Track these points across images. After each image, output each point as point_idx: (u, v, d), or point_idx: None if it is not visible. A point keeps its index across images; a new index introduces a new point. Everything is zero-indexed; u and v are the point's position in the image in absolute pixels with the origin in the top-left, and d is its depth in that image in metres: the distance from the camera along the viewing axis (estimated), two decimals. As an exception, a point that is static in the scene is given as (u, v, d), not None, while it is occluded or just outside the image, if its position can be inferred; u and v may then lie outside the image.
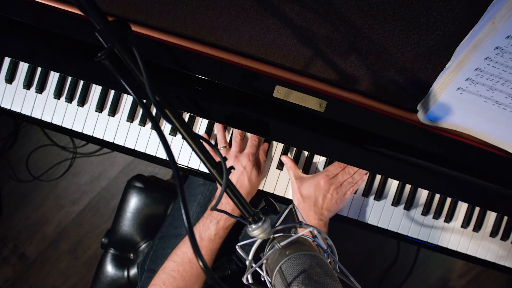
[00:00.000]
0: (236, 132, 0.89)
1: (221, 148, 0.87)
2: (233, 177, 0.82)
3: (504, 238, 0.95)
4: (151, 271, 1.01)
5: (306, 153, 0.93)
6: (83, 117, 0.94)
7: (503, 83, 0.71)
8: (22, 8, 0.80)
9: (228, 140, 0.92)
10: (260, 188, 0.93)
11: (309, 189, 0.86)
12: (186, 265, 0.77)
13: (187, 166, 0.93)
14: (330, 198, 0.86)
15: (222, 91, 0.81)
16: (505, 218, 0.95)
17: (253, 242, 0.56)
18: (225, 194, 0.54)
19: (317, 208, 0.86)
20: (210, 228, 0.80)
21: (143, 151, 0.94)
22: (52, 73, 0.93)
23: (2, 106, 0.94)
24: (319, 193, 0.86)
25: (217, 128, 0.90)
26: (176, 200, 1.15)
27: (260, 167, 0.88)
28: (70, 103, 0.94)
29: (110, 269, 1.16)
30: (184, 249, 0.80)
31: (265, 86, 0.77)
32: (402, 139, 0.78)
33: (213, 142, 0.93)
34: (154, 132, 0.93)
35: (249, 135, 0.90)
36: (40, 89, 0.93)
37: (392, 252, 1.65)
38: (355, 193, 0.93)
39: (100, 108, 0.93)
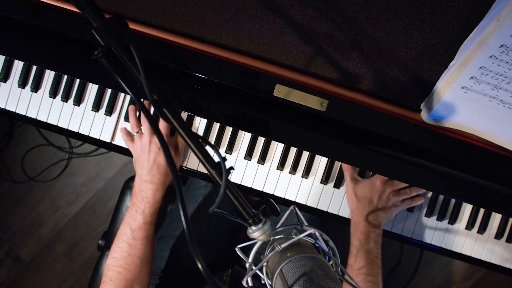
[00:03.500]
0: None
1: (135, 134, 0.86)
2: (150, 158, 0.82)
3: (510, 240, 0.94)
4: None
5: (307, 153, 0.92)
6: (79, 117, 0.93)
7: (508, 82, 0.70)
8: (17, 5, 0.80)
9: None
10: (260, 188, 0.92)
11: (364, 189, 0.87)
12: (126, 258, 0.79)
13: (186, 167, 0.93)
14: (385, 199, 0.86)
15: (221, 90, 0.80)
16: (511, 220, 0.94)
17: (253, 244, 0.56)
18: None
19: (372, 207, 0.86)
20: (137, 218, 0.81)
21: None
22: (47, 71, 0.93)
23: (-4, 105, 0.92)
24: (375, 193, 0.86)
25: (130, 112, 0.88)
26: (175, 201, 1.13)
27: (177, 148, 0.87)
28: (66, 102, 0.93)
29: None
30: (119, 244, 0.80)
31: (265, 85, 0.77)
32: (405, 139, 0.78)
33: (212, 142, 0.92)
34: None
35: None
36: (35, 88, 0.92)
37: (395, 255, 1.64)
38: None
39: (96, 107, 0.92)
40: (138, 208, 0.81)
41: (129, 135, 0.88)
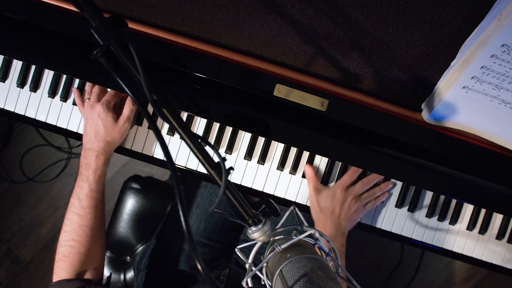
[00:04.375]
0: (98, 86, 0.87)
1: (86, 100, 0.87)
2: (92, 125, 0.83)
3: (511, 241, 0.94)
4: (147, 270, 1.00)
5: (307, 153, 0.92)
6: (78, 117, 0.93)
7: (510, 82, 0.70)
8: (16, 4, 0.79)
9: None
10: (260, 189, 0.92)
11: (326, 199, 0.87)
12: (77, 229, 0.79)
13: (185, 167, 0.92)
14: (347, 208, 0.86)
15: (221, 90, 0.80)
16: (512, 220, 0.94)
17: (253, 245, 0.55)
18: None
19: (334, 217, 0.86)
20: (83, 186, 0.81)
21: (140, 151, 0.93)
22: (46, 71, 0.93)
23: (-5, 105, 0.92)
24: (336, 203, 0.86)
25: (88, 84, 0.89)
26: (174, 201, 1.13)
27: (122, 115, 0.86)
28: (65, 102, 0.92)
29: (106, 272, 1.14)
30: (69, 216, 0.81)
31: (265, 85, 0.77)
32: (406, 139, 0.78)
33: (212, 142, 0.91)
34: (151, 132, 0.92)
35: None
36: (34, 87, 0.92)
37: (396, 255, 1.64)
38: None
39: (95, 107, 0.91)
40: (83, 176, 0.82)
41: (80, 98, 0.88)
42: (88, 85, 0.89)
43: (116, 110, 0.87)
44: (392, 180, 0.92)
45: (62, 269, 0.80)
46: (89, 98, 0.87)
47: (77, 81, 0.92)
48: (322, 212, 0.87)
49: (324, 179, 0.91)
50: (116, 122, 0.85)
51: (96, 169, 0.82)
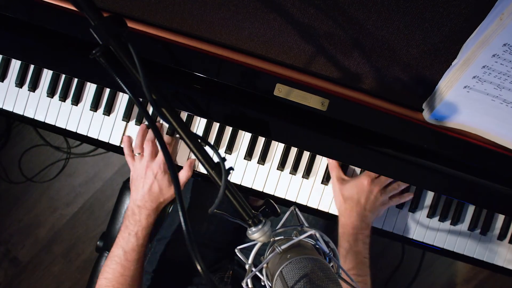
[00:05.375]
0: (149, 137, 0.88)
1: (136, 155, 0.88)
2: (146, 184, 0.84)
3: (512, 241, 0.94)
4: (148, 273, 0.99)
5: (307, 153, 0.91)
6: (77, 116, 0.92)
7: (512, 81, 0.70)
8: (14, 3, 0.79)
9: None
10: (260, 189, 0.91)
11: (351, 190, 0.86)
12: (119, 278, 0.81)
13: (185, 167, 0.92)
14: (373, 200, 0.85)
15: (221, 90, 0.80)
16: (514, 220, 0.94)
17: (253, 246, 0.55)
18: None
19: (360, 208, 0.85)
20: (130, 240, 0.83)
21: (139, 152, 0.92)
22: (45, 71, 0.92)
23: (-7, 105, 0.92)
24: (362, 193, 0.85)
25: (139, 131, 0.89)
26: (174, 203, 1.13)
27: (180, 181, 0.88)
28: (64, 101, 0.92)
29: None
30: (112, 266, 0.83)
31: (265, 84, 0.77)
32: (407, 139, 0.78)
33: (212, 142, 0.91)
34: (150, 132, 0.91)
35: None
36: (33, 87, 0.92)
37: (397, 256, 1.63)
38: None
39: (94, 107, 0.91)
40: (131, 231, 0.83)
41: (130, 149, 0.89)
42: (139, 139, 0.88)
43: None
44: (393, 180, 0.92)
45: None
46: (139, 153, 0.87)
47: (76, 80, 0.92)
48: (346, 202, 0.85)
49: (323, 180, 0.91)
50: (170, 185, 0.85)
51: (146, 227, 0.84)
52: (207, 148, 0.58)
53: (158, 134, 0.54)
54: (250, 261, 0.55)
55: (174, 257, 1.01)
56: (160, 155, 0.86)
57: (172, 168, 0.52)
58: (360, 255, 0.83)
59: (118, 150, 0.93)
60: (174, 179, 0.51)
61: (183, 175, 0.87)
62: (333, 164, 0.89)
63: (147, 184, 0.84)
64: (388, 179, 0.87)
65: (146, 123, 0.89)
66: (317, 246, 0.54)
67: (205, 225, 1.02)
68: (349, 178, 0.88)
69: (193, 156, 0.89)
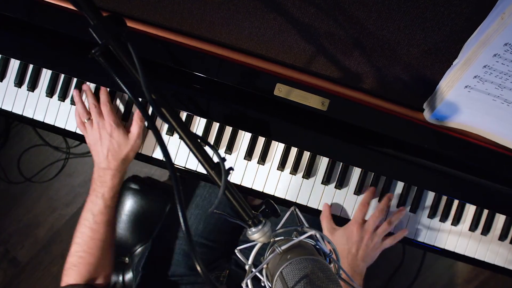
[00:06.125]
0: (91, 100, 0.86)
1: (86, 121, 0.86)
2: (104, 146, 0.83)
3: (514, 241, 0.94)
4: (146, 272, 0.99)
5: (308, 153, 0.91)
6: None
7: (513, 81, 0.69)
8: (13, 2, 0.79)
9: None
10: (260, 189, 0.91)
11: (341, 240, 0.85)
12: (89, 242, 0.82)
13: (185, 167, 0.92)
14: (364, 247, 0.84)
15: (221, 89, 0.80)
16: (515, 220, 0.93)
17: (253, 246, 0.55)
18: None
19: (351, 259, 0.83)
20: (98, 203, 0.83)
21: (139, 152, 0.92)
22: (44, 70, 0.92)
23: (-8, 104, 0.92)
24: (352, 243, 0.84)
25: (75, 98, 0.87)
26: (173, 202, 1.12)
27: (132, 133, 0.86)
28: (63, 101, 0.92)
29: (104, 274, 1.13)
30: (81, 229, 0.83)
31: (265, 84, 0.76)
32: (408, 139, 0.78)
33: (212, 142, 0.90)
34: (150, 132, 0.91)
35: (101, 99, 0.86)
36: (32, 87, 0.91)
37: (397, 257, 1.63)
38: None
39: (94, 106, 0.91)
40: (98, 193, 0.83)
41: (79, 118, 0.87)
42: (80, 106, 0.86)
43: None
44: (393, 180, 0.91)
45: (70, 276, 0.82)
46: (88, 119, 0.85)
47: (75, 80, 0.91)
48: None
49: (324, 180, 0.91)
50: (127, 139, 0.84)
51: (112, 187, 0.84)
52: (207, 148, 0.58)
53: (158, 135, 0.53)
54: (250, 261, 0.54)
55: (171, 255, 1.01)
56: (106, 113, 0.84)
57: (172, 168, 0.52)
58: None
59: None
60: (174, 179, 0.51)
61: (135, 127, 0.85)
62: (324, 214, 0.88)
63: (105, 144, 0.83)
64: (377, 220, 0.86)
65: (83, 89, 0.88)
66: (317, 246, 0.53)
67: (202, 225, 1.02)
68: (339, 228, 0.87)
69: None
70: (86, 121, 0.86)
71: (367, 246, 0.84)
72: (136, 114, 0.87)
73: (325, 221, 0.88)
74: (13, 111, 0.91)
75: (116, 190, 0.85)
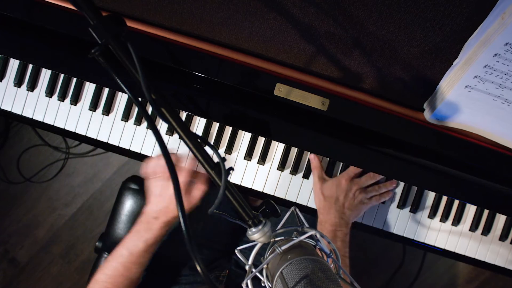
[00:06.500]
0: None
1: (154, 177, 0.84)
2: (162, 203, 0.82)
3: (514, 242, 0.94)
4: (146, 272, 0.99)
5: (308, 153, 0.91)
6: (76, 116, 0.92)
7: (513, 81, 0.69)
8: (12, 2, 0.78)
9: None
10: (260, 189, 0.91)
11: (330, 188, 0.87)
12: (118, 278, 0.81)
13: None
14: (352, 197, 0.87)
15: (220, 89, 0.79)
16: (515, 221, 0.93)
17: (253, 246, 0.55)
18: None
19: (338, 206, 0.86)
20: (138, 245, 0.82)
21: (139, 152, 0.92)
22: (43, 70, 0.92)
23: (-9, 104, 0.91)
24: (341, 191, 0.86)
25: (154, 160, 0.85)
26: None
27: (194, 196, 0.85)
28: (63, 101, 0.91)
29: (104, 274, 1.13)
30: (114, 264, 0.82)
31: (265, 84, 0.76)
32: (408, 139, 0.78)
33: (212, 142, 0.90)
34: (150, 132, 0.92)
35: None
36: (32, 87, 0.91)
37: (398, 257, 1.63)
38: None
39: (93, 106, 0.91)
40: (141, 236, 0.83)
41: (150, 172, 0.85)
42: (155, 160, 0.84)
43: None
44: (394, 180, 0.91)
45: None
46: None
47: (74, 80, 0.91)
48: (325, 200, 0.86)
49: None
50: (188, 200, 0.84)
51: (157, 236, 0.83)
52: (207, 148, 0.58)
53: (158, 137, 0.53)
54: (250, 261, 0.54)
55: (171, 256, 1.00)
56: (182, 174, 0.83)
57: (172, 168, 0.52)
58: (339, 252, 0.83)
59: (117, 150, 0.92)
60: (174, 179, 0.51)
61: (198, 191, 0.84)
62: (315, 163, 0.89)
63: (164, 202, 0.83)
64: (369, 180, 0.89)
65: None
66: (317, 246, 0.53)
67: (201, 224, 1.02)
68: (330, 178, 0.89)
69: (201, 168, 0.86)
70: (154, 176, 0.84)
71: (355, 196, 0.87)
72: (203, 176, 0.85)
73: (316, 171, 0.89)
74: (12, 111, 0.91)
75: (159, 239, 0.84)
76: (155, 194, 0.84)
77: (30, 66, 0.91)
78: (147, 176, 0.85)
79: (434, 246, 0.92)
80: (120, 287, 0.81)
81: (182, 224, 0.48)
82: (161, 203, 0.83)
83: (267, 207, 0.57)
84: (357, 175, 0.89)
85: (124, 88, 0.54)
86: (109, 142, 0.92)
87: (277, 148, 0.91)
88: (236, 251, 0.57)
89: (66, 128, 0.91)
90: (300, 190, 0.91)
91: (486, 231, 0.93)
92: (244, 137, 0.91)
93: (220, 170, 0.54)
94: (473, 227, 0.93)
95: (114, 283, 0.81)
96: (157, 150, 0.92)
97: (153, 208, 0.84)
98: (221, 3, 0.75)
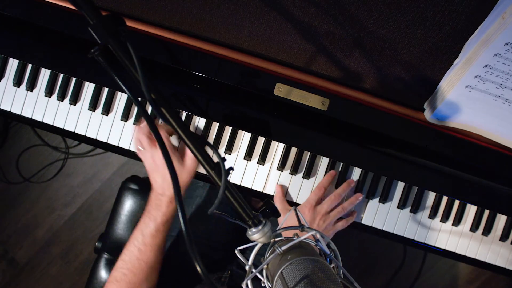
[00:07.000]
0: (144, 130, 0.84)
1: (140, 149, 0.84)
2: (161, 174, 0.82)
3: (514, 242, 0.93)
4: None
5: (308, 153, 0.91)
6: (75, 116, 0.91)
7: (514, 81, 0.69)
8: (11, 1, 0.78)
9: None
10: (260, 189, 0.91)
11: (294, 220, 0.84)
12: (135, 262, 0.82)
13: (184, 167, 0.91)
14: (315, 228, 0.83)
15: (220, 89, 0.79)
16: (516, 221, 0.93)
17: (253, 246, 0.55)
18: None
19: None
20: (149, 225, 0.83)
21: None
22: (43, 70, 0.91)
23: (-10, 104, 0.91)
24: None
25: (136, 130, 0.85)
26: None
27: (188, 156, 0.84)
28: (62, 101, 0.91)
29: (104, 274, 1.13)
30: (130, 248, 0.83)
31: (265, 84, 0.76)
32: (408, 139, 0.78)
33: (211, 142, 0.90)
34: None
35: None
36: (31, 86, 0.91)
37: (398, 257, 1.63)
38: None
39: (93, 106, 0.91)
40: (151, 215, 0.83)
41: (139, 145, 0.86)
42: (135, 133, 0.85)
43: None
44: (394, 180, 0.91)
45: None
46: (139, 147, 0.84)
47: (74, 80, 0.91)
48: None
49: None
50: (183, 165, 0.83)
51: (166, 213, 0.83)
52: (207, 148, 0.58)
53: (157, 135, 0.53)
54: (250, 262, 0.54)
55: (172, 256, 1.00)
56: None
57: (172, 168, 0.52)
58: None
59: (117, 150, 0.92)
60: (174, 179, 0.51)
61: (190, 153, 0.83)
62: (278, 194, 0.89)
63: (160, 173, 0.83)
64: (332, 204, 0.86)
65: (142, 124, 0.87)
66: (317, 247, 0.53)
67: (203, 225, 1.02)
68: (290, 207, 0.87)
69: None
70: (141, 149, 0.85)
71: (319, 226, 0.85)
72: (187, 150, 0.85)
73: (279, 202, 0.89)
74: (11, 111, 0.91)
75: (169, 216, 0.84)
76: (150, 171, 0.84)
77: (29, 65, 0.91)
78: (139, 154, 0.86)
79: (434, 247, 0.92)
80: (137, 272, 0.81)
81: (182, 225, 0.47)
82: (158, 178, 0.83)
83: (267, 207, 0.57)
84: (319, 201, 0.86)
85: (124, 88, 0.54)
86: (108, 142, 0.91)
87: (277, 148, 0.91)
88: (236, 251, 0.57)
89: (65, 128, 0.91)
90: (300, 190, 0.91)
91: (487, 231, 0.93)
92: (244, 137, 0.90)
93: (220, 170, 0.54)
94: (474, 227, 0.93)
95: (131, 269, 0.81)
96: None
97: (154, 185, 0.84)
98: (221, 3, 0.74)
